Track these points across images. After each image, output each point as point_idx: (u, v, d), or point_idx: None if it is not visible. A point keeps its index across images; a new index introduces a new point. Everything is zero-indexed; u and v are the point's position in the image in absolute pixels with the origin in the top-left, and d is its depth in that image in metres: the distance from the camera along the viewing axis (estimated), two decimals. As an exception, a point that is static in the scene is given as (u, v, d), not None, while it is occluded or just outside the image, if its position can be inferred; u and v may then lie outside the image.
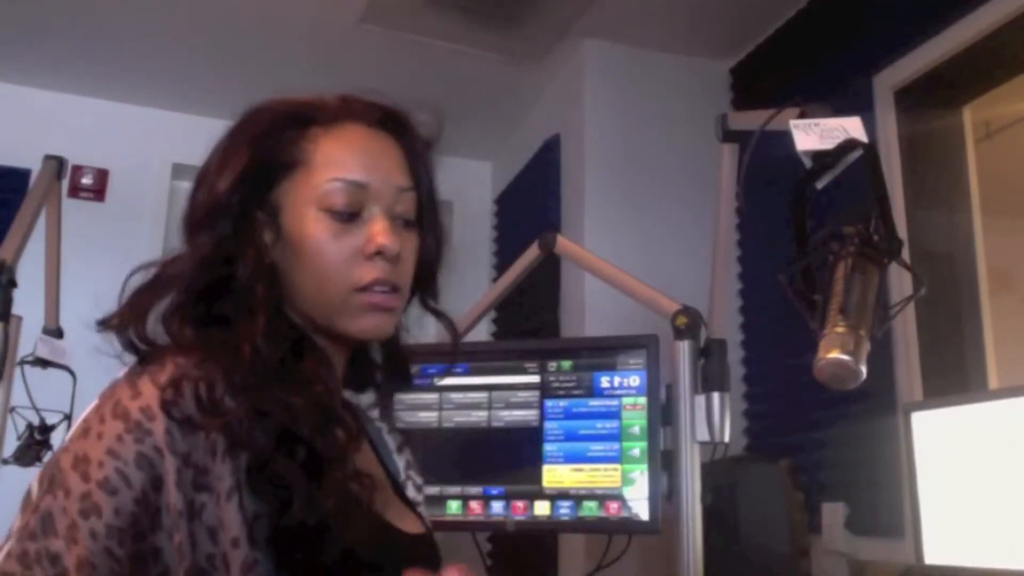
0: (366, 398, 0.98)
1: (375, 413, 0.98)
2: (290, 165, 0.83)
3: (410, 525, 0.87)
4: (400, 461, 0.98)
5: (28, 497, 0.71)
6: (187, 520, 0.69)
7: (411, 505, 0.93)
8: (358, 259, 0.81)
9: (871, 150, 1.10)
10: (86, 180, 3.05)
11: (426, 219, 0.90)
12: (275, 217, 0.82)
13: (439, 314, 0.96)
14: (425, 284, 0.93)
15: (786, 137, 1.16)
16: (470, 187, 3.44)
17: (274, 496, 0.70)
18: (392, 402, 0.98)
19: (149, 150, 3.17)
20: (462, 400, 1.75)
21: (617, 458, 1.66)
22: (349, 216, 0.81)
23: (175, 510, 0.69)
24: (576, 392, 1.72)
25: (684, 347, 1.47)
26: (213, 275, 0.79)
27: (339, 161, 0.82)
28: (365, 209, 0.82)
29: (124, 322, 0.77)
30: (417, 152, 0.90)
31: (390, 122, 0.88)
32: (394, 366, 0.96)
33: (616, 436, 1.67)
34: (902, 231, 1.48)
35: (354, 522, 0.74)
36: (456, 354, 1.01)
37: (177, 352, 0.74)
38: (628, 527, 1.64)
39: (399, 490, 0.93)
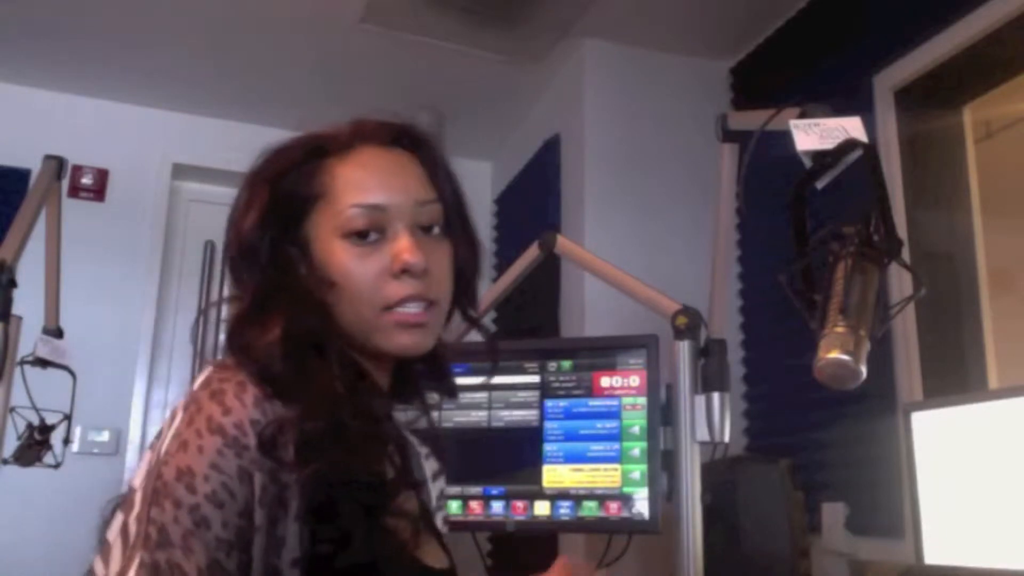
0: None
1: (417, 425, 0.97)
2: (311, 199, 0.84)
3: (437, 559, 0.87)
4: (434, 489, 0.97)
5: (128, 505, 0.73)
6: (265, 534, 0.71)
7: (438, 534, 0.92)
8: (386, 278, 0.82)
9: (871, 150, 1.10)
10: (86, 180, 3.06)
11: (455, 226, 0.90)
12: (306, 251, 0.84)
13: (476, 324, 0.96)
14: (461, 293, 0.92)
15: (786, 137, 1.16)
16: (470, 187, 3.38)
17: (332, 534, 0.72)
18: (431, 414, 0.97)
19: (149, 150, 3.17)
20: (462, 400, 1.75)
21: (617, 458, 1.66)
22: (372, 238, 0.82)
23: (258, 523, 0.71)
24: (576, 392, 1.72)
25: (684, 347, 1.47)
26: (267, 309, 0.81)
27: (356, 186, 0.83)
28: (388, 228, 0.83)
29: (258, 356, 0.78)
30: (436, 162, 0.90)
31: (404, 138, 0.88)
32: (437, 379, 0.95)
33: (616, 436, 1.67)
34: (902, 231, 1.47)
35: (397, 564, 0.76)
36: (495, 368, 1.02)
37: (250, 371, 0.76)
38: (628, 527, 1.64)
39: (428, 519, 0.92)
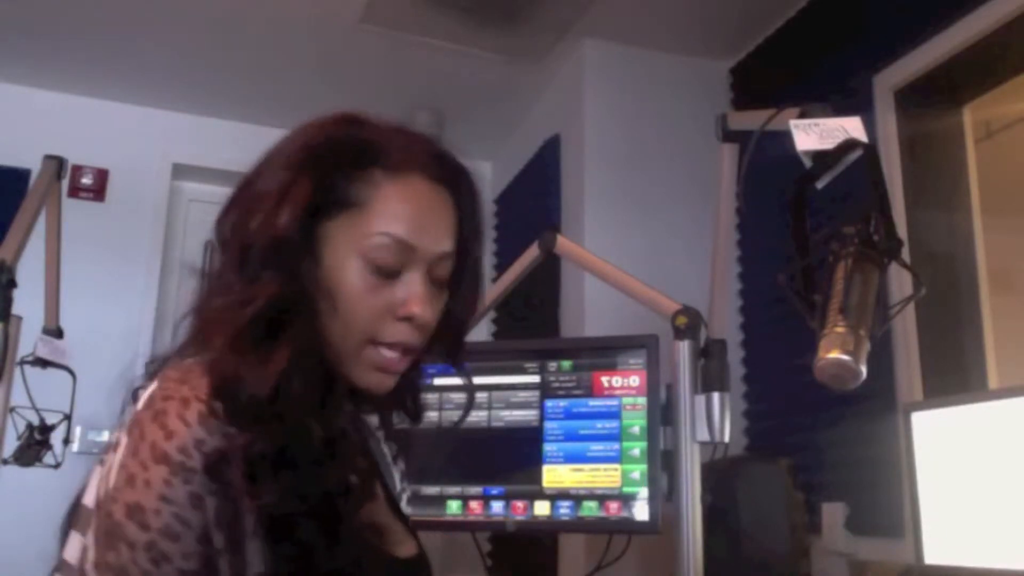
0: None
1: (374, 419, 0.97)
2: (346, 203, 0.80)
3: (405, 547, 0.87)
4: (396, 472, 0.97)
5: (83, 525, 0.71)
6: (228, 553, 0.69)
7: (404, 519, 0.92)
8: (387, 317, 0.80)
9: (871, 150, 1.11)
10: (86, 180, 3.06)
11: (466, 279, 0.88)
12: (316, 248, 0.79)
13: (459, 366, 0.94)
14: (451, 342, 0.90)
15: (786, 137, 1.16)
16: (470, 187, 3.44)
17: (292, 548, 0.70)
18: (392, 423, 0.96)
19: (149, 150, 3.17)
20: (462, 400, 1.75)
21: (617, 458, 1.66)
22: (389, 272, 0.80)
23: (218, 546, 0.68)
24: (576, 392, 1.72)
25: (684, 347, 1.47)
26: (280, 312, 0.76)
27: (396, 216, 0.80)
28: (407, 269, 0.80)
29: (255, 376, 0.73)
30: (472, 211, 0.88)
31: (449, 176, 0.85)
32: (402, 402, 0.93)
33: (616, 436, 1.67)
34: (902, 231, 1.48)
35: (367, 569, 0.75)
36: (470, 404, 0.99)
37: (195, 383, 0.72)
38: (628, 527, 1.64)
39: (394, 504, 0.92)
